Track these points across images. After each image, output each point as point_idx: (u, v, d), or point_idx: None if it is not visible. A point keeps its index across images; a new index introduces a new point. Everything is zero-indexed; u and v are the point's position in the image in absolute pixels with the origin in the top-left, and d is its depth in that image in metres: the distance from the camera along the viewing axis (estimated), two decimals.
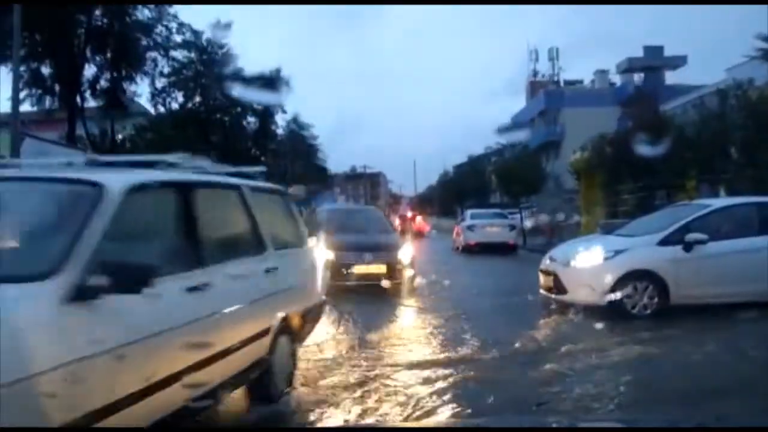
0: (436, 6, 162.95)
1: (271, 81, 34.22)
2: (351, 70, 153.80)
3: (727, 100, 15.05)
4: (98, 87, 26.83)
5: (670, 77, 44.35)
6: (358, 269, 9.88)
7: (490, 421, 4.15)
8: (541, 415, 3.98)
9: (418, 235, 33.51)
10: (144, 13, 26.43)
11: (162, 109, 32.02)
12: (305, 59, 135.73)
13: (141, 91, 29.86)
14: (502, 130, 43.42)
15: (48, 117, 27.18)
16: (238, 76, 32.76)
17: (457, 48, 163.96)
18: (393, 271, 9.93)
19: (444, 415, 4.09)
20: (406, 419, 4.04)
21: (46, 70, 25.47)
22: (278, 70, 34.74)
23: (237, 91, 32.15)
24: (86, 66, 25.99)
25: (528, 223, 22.47)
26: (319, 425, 4.12)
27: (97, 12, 25.12)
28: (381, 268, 9.90)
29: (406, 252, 10.52)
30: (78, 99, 25.88)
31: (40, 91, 25.74)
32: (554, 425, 4.06)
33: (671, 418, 2.43)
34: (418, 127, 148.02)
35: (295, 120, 42.94)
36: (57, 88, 25.81)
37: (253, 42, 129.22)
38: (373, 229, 11.22)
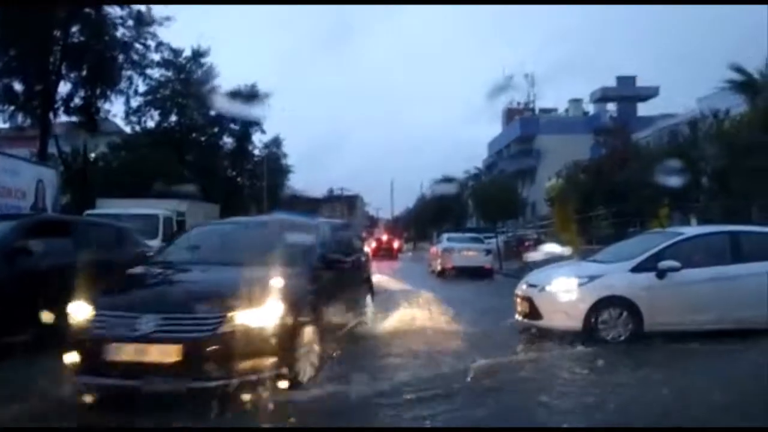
0: (413, 33, 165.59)
1: (248, 97, 34.33)
2: (329, 95, 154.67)
3: (697, 130, 15.38)
4: (72, 104, 26.50)
5: (643, 108, 45.45)
6: (121, 353, 4.59)
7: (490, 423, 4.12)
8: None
9: (394, 256, 37.97)
10: (121, 31, 26.28)
11: (137, 128, 31.77)
12: (284, 86, 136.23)
13: (116, 110, 29.65)
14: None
15: (19, 134, 26.72)
16: (216, 92, 32.69)
17: (433, 76, 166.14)
18: (201, 360, 4.52)
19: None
20: None
21: (18, 87, 25.07)
22: (254, 86, 34.92)
23: (215, 107, 32.19)
24: (61, 83, 25.68)
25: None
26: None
27: (74, 29, 24.90)
28: (167, 353, 4.53)
29: (270, 310, 4.83)
30: (51, 116, 25.49)
31: (12, 108, 25.31)
32: (553, 426, 4.01)
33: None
34: (396, 150, 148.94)
35: (276, 141, 43.17)
36: (30, 104, 25.39)
37: (231, 66, 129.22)
38: (235, 259, 5.86)
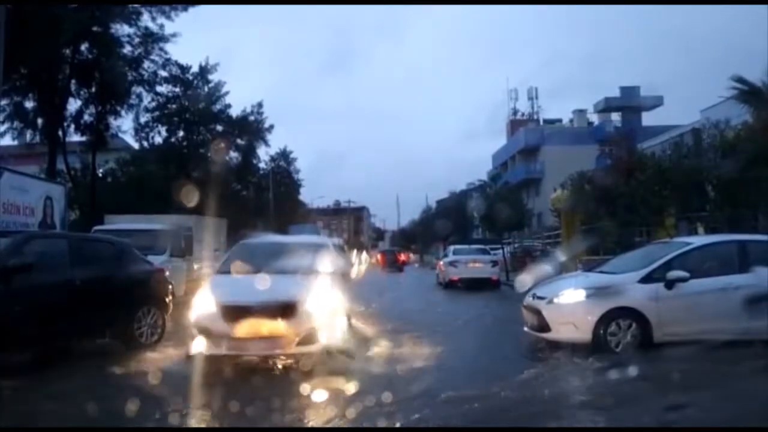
0: (416, 53, 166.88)
1: (253, 118, 34.82)
2: (336, 109, 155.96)
3: (702, 140, 15.40)
4: (82, 121, 26.74)
5: (647, 118, 45.42)
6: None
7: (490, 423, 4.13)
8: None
9: (401, 268, 41.18)
10: (129, 48, 26.57)
11: (145, 144, 31.99)
12: (293, 98, 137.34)
13: (125, 126, 29.94)
14: None
15: (28, 151, 26.97)
16: (223, 112, 33.02)
17: (440, 89, 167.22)
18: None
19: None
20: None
21: (29, 104, 25.35)
22: (260, 104, 35.43)
23: (221, 122, 32.57)
24: (70, 100, 25.94)
25: None
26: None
27: (83, 47, 25.18)
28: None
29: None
30: (60, 133, 25.74)
31: (21, 125, 25.58)
32: (554, 426, 4.03)
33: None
34: (402, 163, 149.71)
35: (283, 154, 43.79)
36: (39, 121, 25.65)
37: (240, 80, 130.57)
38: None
